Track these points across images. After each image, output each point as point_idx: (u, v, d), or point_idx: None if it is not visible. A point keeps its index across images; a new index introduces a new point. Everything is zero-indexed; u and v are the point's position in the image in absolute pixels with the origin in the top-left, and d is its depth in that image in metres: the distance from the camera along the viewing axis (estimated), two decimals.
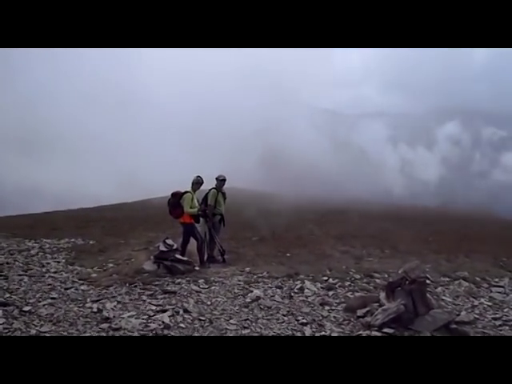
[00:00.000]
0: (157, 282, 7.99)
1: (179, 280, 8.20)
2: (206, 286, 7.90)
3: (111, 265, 9.73)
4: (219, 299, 7.16)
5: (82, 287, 7.76)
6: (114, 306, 6.64)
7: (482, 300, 7.71)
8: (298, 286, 8.02)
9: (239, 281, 8.34)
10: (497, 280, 9.16)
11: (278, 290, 7.85)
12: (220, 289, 7.78)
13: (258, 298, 7.19)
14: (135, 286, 7.73)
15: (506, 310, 7.23)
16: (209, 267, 9.56)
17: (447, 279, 8.94)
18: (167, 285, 7.88)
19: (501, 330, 6.23)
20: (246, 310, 6.71)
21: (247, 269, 9.33)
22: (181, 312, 6.42)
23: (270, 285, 8.13)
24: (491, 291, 8.34)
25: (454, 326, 6.06)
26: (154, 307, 6.63)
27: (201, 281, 8.21)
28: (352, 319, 6.45)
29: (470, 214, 29.24)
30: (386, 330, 5.76)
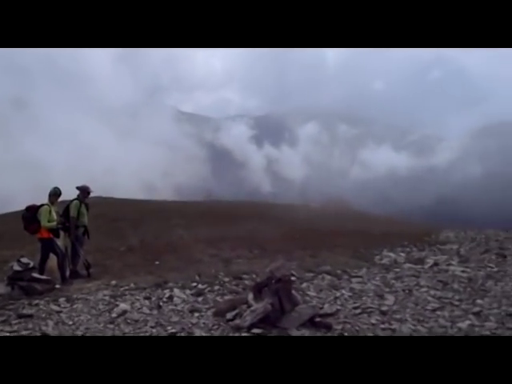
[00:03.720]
0: (11, 306, 7.29)
1: (37, 301, 7.56)
2: (68, 305, 7.39)
3: None
4: (82, 318, 6.73)
5: None
6: None
7: (343, 291, 8.14)
8: (166, 295, 7.84)
9: (104, 295, 7.93)
10: (356, 271, 9.78)
11: (146, 301, 7.60)
12: (83, 306, 7.31)
13: (125, 311, 6.90)
14: None
15: (364, 298, 7.72)
16: (71, 284, 8.99)
17: (311, 274, 9.34)
18: (23, 308, 7.23)
19: (360, 318, 6.62)
20: (112, 326, 6.37)
21: (113, 282, 8.92)
22: None
23: (137, 297, 7.84)
24: (351, 282, 8.85)
25: (318, 319, 6.33)
26: (7, 334, 6.04)
27: (62, 299, 7.66)
28: (221, 323, 6.43)
29: (332, 210, 31.09)
30: (254, 330, 5.83)
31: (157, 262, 11.19)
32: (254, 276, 9.06)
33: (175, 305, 7.38)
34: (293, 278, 8.63)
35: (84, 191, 10.25)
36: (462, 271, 9.88)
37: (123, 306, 7.14)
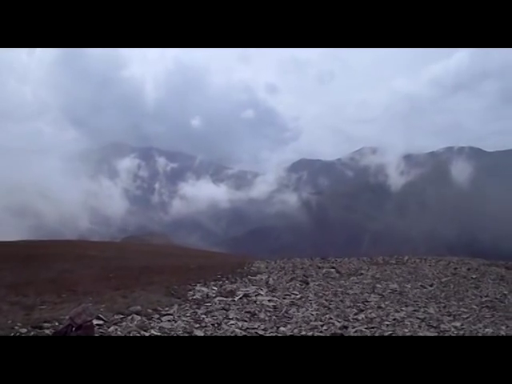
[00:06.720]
0: None
1: None
2: None
3: None
4: None
5: None
6: None
7: (153, 331, 7.95)
8: None
9: None
10: (167, 308, 9.66)
11: None
12: None
13: None
14: None
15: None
16: None
17: (121, 316, 8.94)
18: None
19: None
20: None
21: None
22: None
23: None
24: (161, 321, 8.71)
25: None
26: None
27: None
28: None
29: (151, 245, 30.68)
30: None
31: None
32: (56, 324, 8.38)
33: None
34: (99, 322, 8.23)
35: None
36: (269, 300, 10.46)
37: None
